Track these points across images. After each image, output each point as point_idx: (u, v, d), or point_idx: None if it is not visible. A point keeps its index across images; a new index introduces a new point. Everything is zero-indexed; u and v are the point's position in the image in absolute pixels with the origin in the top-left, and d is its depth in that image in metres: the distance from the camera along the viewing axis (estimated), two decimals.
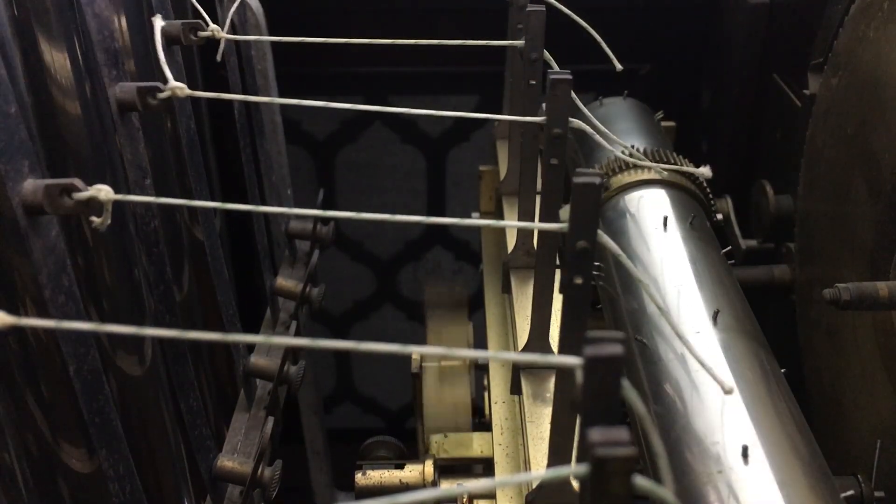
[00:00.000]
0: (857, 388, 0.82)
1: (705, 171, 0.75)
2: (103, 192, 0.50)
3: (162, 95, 0.63)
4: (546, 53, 0.69)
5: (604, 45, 0.69)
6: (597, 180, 0.40)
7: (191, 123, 0.75)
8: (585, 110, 0.64)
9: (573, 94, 0.60)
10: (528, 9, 0.67)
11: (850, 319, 0.82)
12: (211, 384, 0.88)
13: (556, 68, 0.67)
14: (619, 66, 0.70)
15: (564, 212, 0.42)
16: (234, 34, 0.79)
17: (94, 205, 0.51)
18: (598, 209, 0.41)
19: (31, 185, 0.49)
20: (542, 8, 0.67)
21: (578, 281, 0.43)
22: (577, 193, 0.41)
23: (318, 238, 1.02)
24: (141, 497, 0.61)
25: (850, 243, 0.83)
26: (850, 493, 0.63)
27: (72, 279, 0.53)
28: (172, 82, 0.62)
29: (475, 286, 1.25)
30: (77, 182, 0.50)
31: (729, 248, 0.85)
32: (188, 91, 0.63)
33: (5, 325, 0.37)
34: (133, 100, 0.63)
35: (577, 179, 0.40)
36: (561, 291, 0.46)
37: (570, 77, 0.59)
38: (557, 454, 0.54)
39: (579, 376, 0.30)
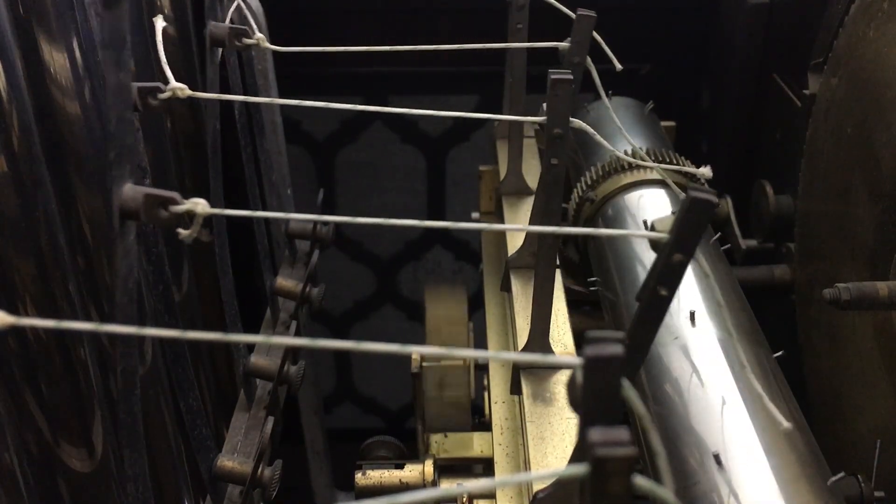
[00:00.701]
0: (857, 388, 0.82)
1: (706, 171, 0.75)
2: (200, 205, 0.50)
3: (163, 96, 0.63)
4: (588, 59, 0.68)
5: (604, 45, 0.69)
6: (713, 199, 0.39)
7: (216, 124, 0.75)
8: (609, 107, 0.64)
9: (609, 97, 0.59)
10: (578, 12, 0.66)
11: (850, 319, 0.82)
12: (211, 384, 0.88)
13: (594, 73, 0.67)
14: (618, 66, 0.70)
15: (662, 222, 0.42)
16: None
17: (188, 217, 0.50)
18: (705, 227, 0.40)
19: (130, 191, 0.49)
20: (593, 14, 0.67)
21: (664, 293, 0.42)
22: (688, 208, 0.39)
23: (317, 238, 1.02)
24: (150, 497, 0.61)
25: (850, 243, 0.83)
26: (841, 474, 0.63)
27: (137, 283, 0.53)
28: (173, 83, 0.62)
29: (475, 286, 1.25)
30: (176, 196, 0.50)
31: (717, 234, 0.85)
32: (189, 92, 0.63)
33: (4, 325, 0.37)
34: (134, 100, 0.63)
35: (693, 194, 0.39)
36: (638, 299, 0.45)
37: (570, 77, 0.59)
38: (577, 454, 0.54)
39: (579, 376, 0.30)
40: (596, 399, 0.30)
